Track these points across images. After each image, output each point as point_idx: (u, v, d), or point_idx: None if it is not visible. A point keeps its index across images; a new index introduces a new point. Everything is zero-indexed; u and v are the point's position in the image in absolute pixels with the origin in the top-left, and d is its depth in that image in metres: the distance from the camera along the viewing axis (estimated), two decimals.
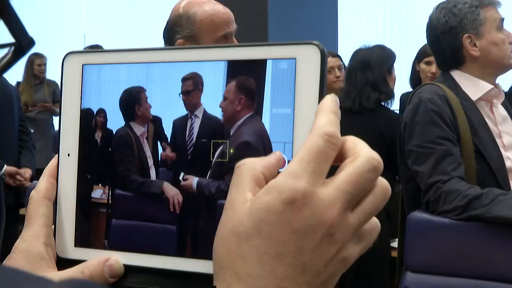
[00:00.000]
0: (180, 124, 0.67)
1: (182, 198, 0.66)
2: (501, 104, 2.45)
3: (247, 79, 0.64)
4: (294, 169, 0.54)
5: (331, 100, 0.58)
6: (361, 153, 0.56)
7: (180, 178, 0.66)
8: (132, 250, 0.67)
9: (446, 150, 2.23)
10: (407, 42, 7.09)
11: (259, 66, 0.63)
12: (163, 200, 0.67)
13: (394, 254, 2.77)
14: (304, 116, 0.60)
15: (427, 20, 2.48)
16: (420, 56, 4.22)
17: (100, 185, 0.71)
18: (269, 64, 0.63)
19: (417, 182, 2.28)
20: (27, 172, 4.07)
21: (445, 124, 2.26)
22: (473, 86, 2.36)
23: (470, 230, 2.17)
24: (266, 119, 0.63)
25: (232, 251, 0.53)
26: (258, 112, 0.63)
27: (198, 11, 2.28)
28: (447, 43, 2.38)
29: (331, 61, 4.60)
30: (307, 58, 0.60)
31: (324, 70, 0.60)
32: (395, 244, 2.84)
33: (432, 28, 2.41)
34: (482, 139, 2.30)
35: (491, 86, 2.37)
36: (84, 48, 7.38)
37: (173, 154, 0.67)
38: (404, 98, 4.67)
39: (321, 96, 0.59)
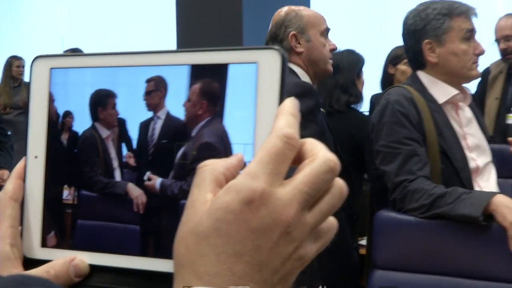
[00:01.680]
0: (144, 126, 0.67)
1: (146, 198, 0.66)
2: (468, 106, 2.47)
3: (209, 82, 0.64)
4: (253, 169, 0.54)
5: (291, 103, 0.58)
6: (319, 155, 0.56)
7: (145, 178, 0.66)
8: (97, 250, 0.67)
9: (412, 150, 2.24)
10: (376, 46, 7.12)
11: (221, 70, 0.63)
12: (128, 200, 0.67)
13: (363, 251, 2.78)
14: (265, 118, 0.60)
15: (395, 23, 2.49)
16: (395, 59, 4.22)
17: (66, 186, 0.70)
18: (231, 68, 0.63)
19: (385, 181, 2.29)
20: (5, 173, 4.05)
21: (411, 125, 2.27)
22: (440, 90, 2.38)
23: (434, 228, 2.18)
24: (227, 121, 0.63)
25: (192, 250, 0.53)
26: (220, 114, 0.63)
27: (302, 10, 2.58)
28: (410, 44, 2.41)
29: None
30: (268, 62, 0.60)
31: (284, 74, 0.60)
32: (364, 242, 2.85)
33: (403, 26, 2.44)
34: (447, 140, 2.32)
35: (457, 91, 2.38)
36: (64, 51, 7.35)
37: (137, 156, 0.67)
38: (374, 99, 4.71)
39: (281, 99, 0.59)
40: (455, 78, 2.38)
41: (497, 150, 3.64)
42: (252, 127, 0.61)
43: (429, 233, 2.20)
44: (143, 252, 0.66)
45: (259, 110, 0.61)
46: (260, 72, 0.61)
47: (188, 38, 7.03)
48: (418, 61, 2.40)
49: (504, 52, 4.13)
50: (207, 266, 0.53)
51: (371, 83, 4.29)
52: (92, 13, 9.40)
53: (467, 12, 2.38)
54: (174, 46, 7.15)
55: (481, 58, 2.44)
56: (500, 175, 2.68)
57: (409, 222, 2.21)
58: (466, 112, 2.43)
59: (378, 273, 2.26)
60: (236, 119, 0.62)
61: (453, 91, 2.37)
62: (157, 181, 0.65)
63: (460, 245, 2.17)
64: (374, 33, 7.50)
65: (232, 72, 0.63)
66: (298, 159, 0.57)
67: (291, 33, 2.52)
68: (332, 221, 0.58)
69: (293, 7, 2.61)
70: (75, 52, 6.95)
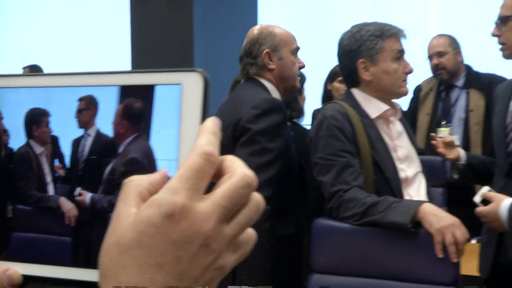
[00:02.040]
0: (76, 143, 0.67)
1: (77, 212, 0.66)
2: (399, 120, 2.50)
3: (137, 102, 0.64)
4: (174, 185, 0.54)
5: (212, 123, 0.58)
6: (237, 171, 0.56)
7: (75, 194, 0.66)
8: (31, 261, 0.66)
9: (346, 162, 2.26)
10: (317, 64, 7.18)
11: (148, 90, 0.64)
12: (60, 214, 0.67)
13: None
14: (188, 136, 0.60)
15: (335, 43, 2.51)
16: (333, 76, 4.27)
17: (2, 200, 0.70)
18: (157, 89, 0.63)
19: (322, 191, 2.30)
20: None
21: (346, 138, 2.29)
22: (372, 106, 2.40)
23: (367, 234, 2.20)
24: (153, 139, 0.63)
25: (115, 261, 0.53)
26: (146, 132, 0.64)
27: (276, 29, 2.61)
28: (345, 63, 2.42)
29: None
30: (191, 84, 0.61)
31: (206, 95, 0.61)
32: None
33: (339, 46, 2.45)
34: (379, 152, 2.34)
35: (388, 107, 2.41)
36: (23, 68, 7.24)
37: (69, 171, 0.67)
38: (315, 114, 4.75)
39: (203, 119, 0.60)
40: (387, 95, 2.42)
41: (427, 161, 3.70)
42: (177, 144, 0.61)
43: (362, 239, 2.22)
44: (74, 262, 0.66)
45: (183, 128, 0.61)
46: (184, 93, 0.61)
47: (142, 57, 7.01)
48: (353, 79, 2.43)
49: (435, 68, 4.19)
50: (129, 276, 0.53)
51: (314, 98, 4.33)
52: (53, 31, 9.28)
53: (397, 34, 2.42)
54: (129, 65, 7.12)
55: (413, 75, 2.50)
56: (430, 184, 2.72)
57: (344, 229, 2.23)
58: (397, 126, 2.47)
59: (316, 276, 2.27)
60: (161, 137, 0.63)
61: (384, 107, 2.40)
62: (87, 196, 0.65)
63: (390, 250, 2.19)
64: (317, 51, 7.56)
65: (158, 92, 0.63)
66: (218, 175, 0.57)
67: (265, 51, 2.55)
68: (250, 232, 0.59)
69: (266, 26, 2.66)
70: (34, 68, 6.85)
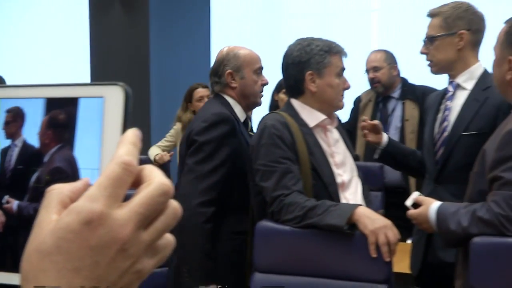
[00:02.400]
0: (4, 153, 0.66)
1: (4, 218, 0.65)
2: (336, 128, 2.52)
3: (61, 114, 0.64)
4: (93, 193, 0.54)
5: (132, 134, 0.59)
6: (155, 180, 0.56)
7: (4, 201, 0.65)
8: None
9: (287, 168, 2.27)
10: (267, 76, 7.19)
11: (73, 103, 0.63)
12: None
13: None
14: (109, 146, 0.60)
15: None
16: (279, 88, 4.32)
17: None
18: (81, 102, 0.63)
19: (264, 196, 2.30)
20: None
21: (286, 146, 2.30)
22: (310, 115, 2.42)
23: (307, 236, 2.22)
24: (77, 149, 0.63)
25: (35, 266, 0.53)
26: (70, 142, 0.63)
27: (240, 50, 2.75)
28: (293, 73, 2.42)
29: (201, 91, 4.73)
30: (113, 97, 0.61)
31: (128, 107, 0.61)
32: None
33: (286, 57, 2.45)
34: (317, 158, 2.36)
35: (324, 117, 2.43)
36: None
37: None
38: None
39: (124, 130, 0.60)
40: (327, 107, 2.44)
41: (365, 166, 3.75)
42: (99, 154, 0.61)
43: (302, 241, 2.23)
44: (2, 267, 0.65)
45: (105, 139, 0.61)
46: (106, 106, 0.61)
47: (100, 68, 6.96)
48: (298, 89, 2.44)
49: (372, 81, 4.28)
50: (48, 280, 0.52)
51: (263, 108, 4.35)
52: (13, 43, 9.12)
53: (341, 52, 2.45)
54: (88, 76, 7.07)
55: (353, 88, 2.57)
56: (369, 188, 2.75)
57: (285, 231, 2.24)
58: (334, 134, 2.49)
59: (259, 275, 2.27)
60: (84, 147, 0.63)
61: (321, 116, 2.42)
62: (14, 203, 0.65)
63: (328, 250, 2.21)
64: (265, 64, 7.56)
65: (82, 105, 0.63)
66: (137, 184, 0.57)
67: (228, 71, 2.69)
68: (169, 238, 0.58)
69: (233, 47, 2.78)
70: None
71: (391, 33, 8.44)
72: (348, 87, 2.47)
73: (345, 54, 2.47)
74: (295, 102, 2.45)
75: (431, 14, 2.65)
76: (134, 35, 6.63)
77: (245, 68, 2.71)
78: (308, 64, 2.39)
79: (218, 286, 2.46)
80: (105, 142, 0.61)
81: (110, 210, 0.53)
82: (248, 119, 2.82)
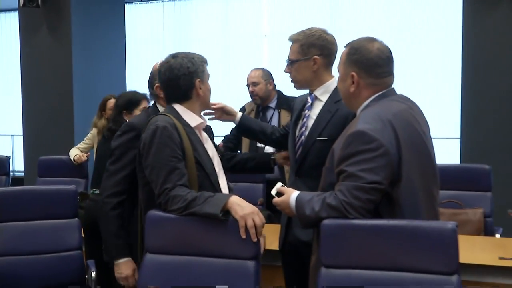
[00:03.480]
0: None
1: None
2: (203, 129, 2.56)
3: None
4: None
5: None
6: None
7: None
8: None
9: (173, 165, 2.25)
10: None
11: None
12: None
13: None
14: None
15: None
16: None
17: None
18: None
19: (153, 188, 2.27)
20: None
21: (175, 145, 2.28)
22: (191, 118, 2.42)
23: (189, 222, 2.20)
24: None
25: None
26: None
27: None
28: (185, 83, 2.39)
29: (113, 101, 4.59)
30: None
31: None
32: None
33: (174, 70, 2.39)
34: (200, 153, 2.37)
35: (202, 120, 2.47)
36: None
37: None
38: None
39: None
40: (204, 107, 2.52)
41: None
42: None
43: (186, 226, 2.21)
44: None
45: None
46: None
47: (30, 83, 6.76)
48: (186, 95, 2.42)
49: (252, 94, 4.33)
50: None
51: None
52: None
53: (206, 62, 2.48)
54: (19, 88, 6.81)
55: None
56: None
57: (171, 219, 2.22)
58: (203, 134, 2.52)
59: (149, 255, 2.25)
60: None
61: (199, 119, 2.45)
62: None
63: (207, 234, 2.19)
64: None
65: None
66: None
67: (156, 85, 2.67)
68: None
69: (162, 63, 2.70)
70: None
71: (280, 54, 8.53)
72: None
73: (207, 63, 2.50)
74: (177, 106, 2.43)
75: (291, 40, 2.68)
76: (59, 54, 6.49)
77: None
78: (196, 73, 2.40)
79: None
80: None
81: None
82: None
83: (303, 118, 2.70)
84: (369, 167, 1.99)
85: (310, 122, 2.65)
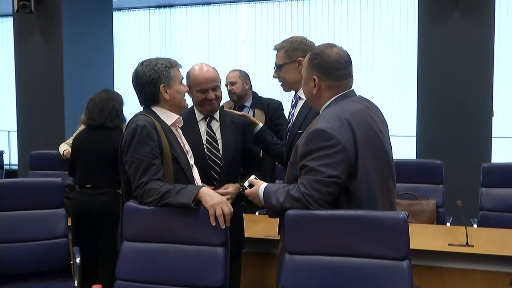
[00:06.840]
0: None
1: None
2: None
3: None
4: None
5: None
6: None
7: None
8: None
9: (150, 162, 2.22)
10: None
11: None
12: None
13: None
14: None
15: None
16: None
17: None
18: None
19: (131, 182, 2.23)
20: None
21: (153, 143, 2.24)
22: (167, 116, 2.39)
23: (164, 212, 2.17)
24: None
25: None
26: None
27: None
28: (149, 89, 2.35)
29: None
30: None
31: None
32: None
33: (139, 77, 2.36)
34: (176, 150, 2.33)
35: (178, 116, 2.42)
36: None
37: None
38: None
39: None
40: (176, 108, 2.44)
41: None
42: None
43: (160, 216, 2.18)
44: None
45: None
46: None
47: (24, 84, 6.67)
48: (154, 100, 2.38)
49: (229, 93, 4.30)
50: None
51: None
52: None
53: (178, 65, 2.44)
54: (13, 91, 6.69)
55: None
56: None
57: (147, 210, 2.18)
58: (179, 130, 2.48)
59: (126, 243, 2.22)
60: None
61: (175, 116, 2.41)
62: None
63: (180, 222, 2.16)
64: None
65: None
66: None
67: None
68: None
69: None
70: None
71: (256, 57, 8.61)
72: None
73: (180, 66, 2.45)
74: (153, 107, 2.39)
75: (276, 48, 2.71)
76: (51, 57, 6.40)
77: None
78: (160, 79, 2.34)
79: None
80: None
81: None
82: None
83: (289, 116, 2.74)
84: (328, 162, 1.98)
85: (294, 118, 2.68)
